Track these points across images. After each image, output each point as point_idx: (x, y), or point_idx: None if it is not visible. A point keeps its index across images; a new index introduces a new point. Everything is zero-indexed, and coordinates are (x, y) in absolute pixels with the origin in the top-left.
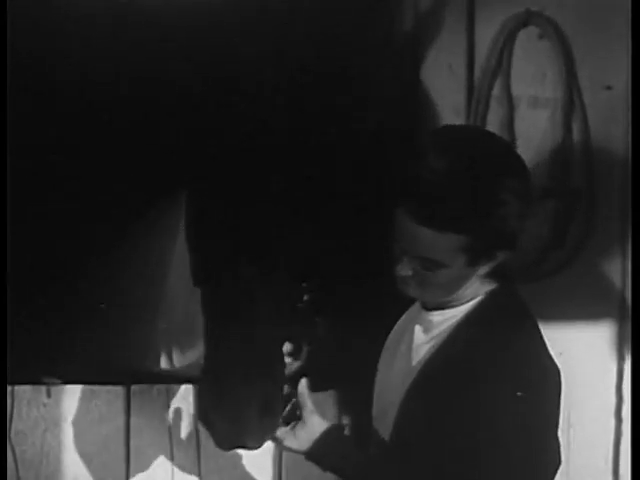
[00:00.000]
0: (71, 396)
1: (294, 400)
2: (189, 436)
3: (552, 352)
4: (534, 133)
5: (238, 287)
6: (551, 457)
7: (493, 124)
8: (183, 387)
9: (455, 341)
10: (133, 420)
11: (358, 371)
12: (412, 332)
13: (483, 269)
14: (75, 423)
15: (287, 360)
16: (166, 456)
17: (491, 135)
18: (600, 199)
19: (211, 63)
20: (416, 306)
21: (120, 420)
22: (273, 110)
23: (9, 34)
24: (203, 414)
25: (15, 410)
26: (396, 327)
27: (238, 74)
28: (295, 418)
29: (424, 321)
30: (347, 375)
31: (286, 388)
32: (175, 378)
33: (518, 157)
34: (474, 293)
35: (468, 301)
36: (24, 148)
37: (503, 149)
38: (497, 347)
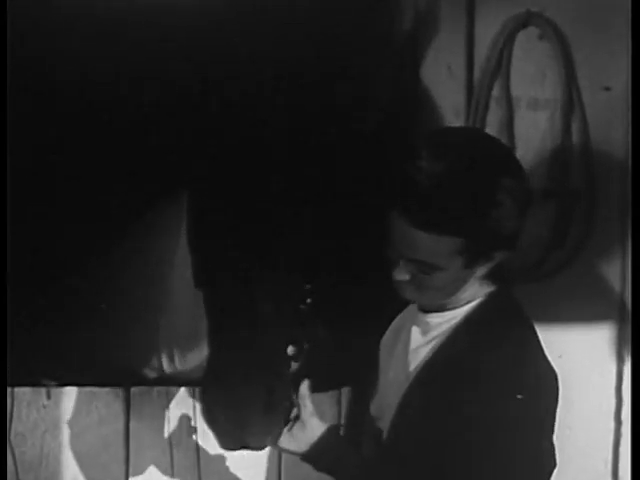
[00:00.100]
0: (71, 398)
1: (293, 401)
2: (188, 439)
3: (551, 354)
4: (534, 134)
5: (240, 288)
6: (546, 460)
7: (492, 125)
8: (182, 390)
9: (454, 343)
10: (132, 422)
11: (358, 372)
12: (409, 334)
13: (481, 270)
14: (74, 425)
15: (290, 362)
16: (165, 458)
17: (486, 136)
18: (600, 200)
19: (211, 63)
20: (412, 307)
21: (120, 422)
22: (273, 110)
23: (9, 34)
24: (207, 415)
25: (15, 412)
26: (391, 328)
27: (238, 74)
28: (293, 419)
29: (421, 323)
30: (347, 376)
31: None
32: (177, 381)
33: (514, 157)
34: (472, 295)
35: (466, 303)
36: (24, 148)
37: (498, 150)
38: (495, 350)
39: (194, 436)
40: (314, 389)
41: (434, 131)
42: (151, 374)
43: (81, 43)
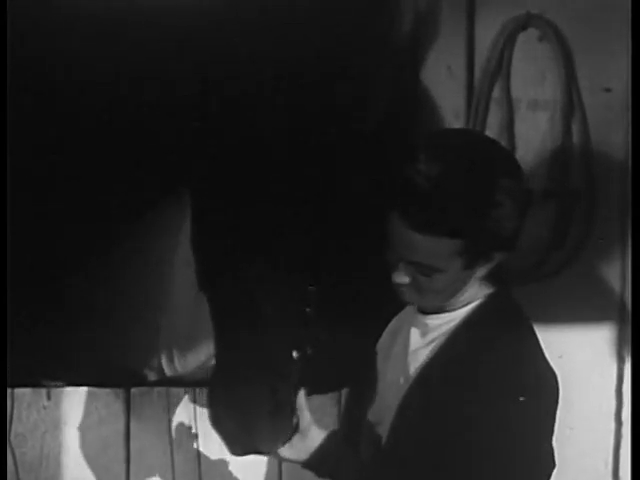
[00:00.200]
0: (71, 399)
1: (294, 407)
2: (189, 439)
3: (551, 355)
4: (534, 135)
5: (245, 291)
6: (545, 461)
7: (493, 126)
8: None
9: (454, 345)
10: (133, 423)
11: (356, 375)
12: (407, 336)
13: (480, 271)
14: (75, 426)
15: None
16: (167, 459)
17: (484, 137)
18: (600, 200)
19: (211, 63)
20: (410, 309)
21: (120, 423)
22: (273, 110)
23: (9, 34)
24: (215, 421)
25: (15, 412)
26: (387, 330)
27: (238, 74)
28: (293, 429)
29: (420, 324)
30: (347, 379)
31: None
32: (178, 382)
33: (512, 158)
34: (472, 297)
35: (465, 305)
36: (24, 148)
37: (497, 151)
38: (495, 351)
39: (195, 444)
40: (314, 391)
41: (431, 133)
42: (151, 375)
43: (81, 43)
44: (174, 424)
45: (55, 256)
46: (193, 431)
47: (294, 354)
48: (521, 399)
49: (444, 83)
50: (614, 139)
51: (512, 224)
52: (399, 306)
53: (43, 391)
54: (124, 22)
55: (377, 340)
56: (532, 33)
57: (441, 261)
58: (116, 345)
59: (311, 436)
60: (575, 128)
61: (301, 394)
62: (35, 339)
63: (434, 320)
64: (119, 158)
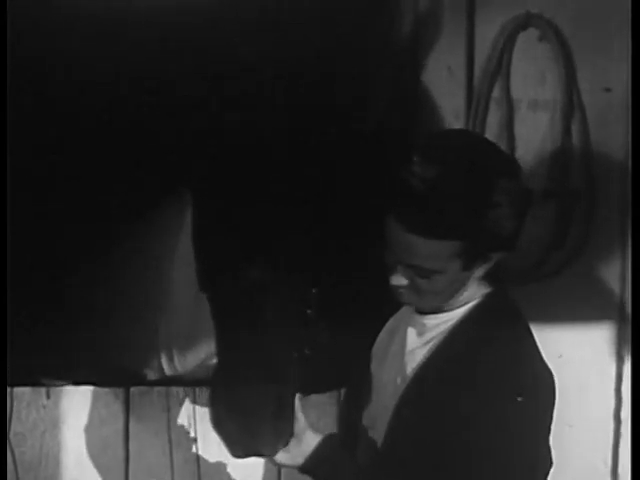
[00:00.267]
0: (70, 398)
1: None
2: (189, 440)
3: (551, 354)
4: (534, 135)
5: (245, 291)
6: (543, 460)
7: (493, 126)
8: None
9: (451, 344)
10: (132, 423)
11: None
12: (404, 335)
13: (479, 271)
14: (74, 425)
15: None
16: (166, 459)
17: (479, 138)
18: (600, 201)
19: (211, 63)
20: (406, 309)
21: (119, 423)
22: (273, 110)
23: (9, 34)
24: (216, 421)
25: (14, 412)
26: (384, 330)
27: (238, 74)
28: None
29: (417, 324)
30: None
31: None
32: (177, 381)
33: (509, 157)
34: (469, 297)
35: (463, 305)
36: (24, 148)
37: (493, 151)
38: (492, 350)
39: (194, 447)
40: (313, 391)
41: (426, 135)
42: (151, 375)
43: (81, 43)
44: (173, 424)
45: (55, 256)
46: (192, 435)
47: (294, 355)
48: (519, 399)
49: (444, 83)
50: (614, 139)
51: (511, 224)
52: (399, 307)
53: (42, 390)
54: (124, 22)
55: (375, 341)
56: (532, 33)
57: (439, 263)
58: (116, 345)
59: (306, 440)
60: (575, 128)
61: (297, 397)
62: (35, 339)
63: (431, 320)
64: (119, 158)
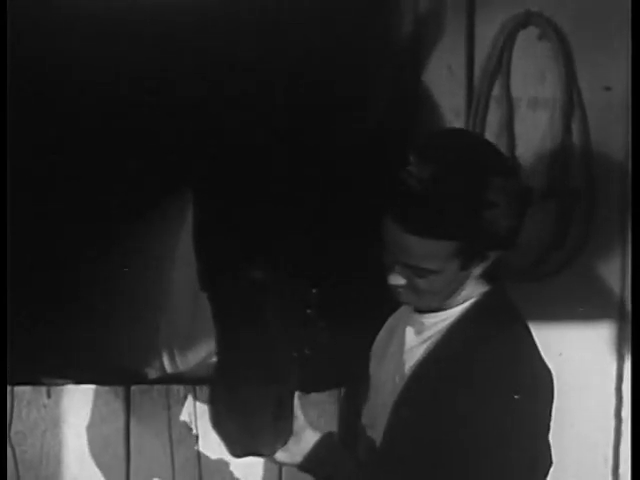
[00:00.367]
0: (71, 397)
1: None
2: (189, 438)
3: (551, 353)
4: (534, 134)
5: (247, 292)
6: (542, 458)
7: (493, 125)
8: (185, 396)
9: (449, 343)
10: (133, 421)
11: (354, 375)
12: (403, 334)
13: (477, 270)
14: (75, 424)
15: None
16: (166, 457)
17: (475, 136)
18: (600, 200)
19: (211, 63)
20: (405, 308)
21: (120, 421)
22: (273, 110)
23: (9, 34)
24: (216, 421)
25: (15, 410)
26: (384, 329)
27: (238, 74)
28: None
29: (416, 323)
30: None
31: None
32: (178, 379)
33: (503, 156)
34: (467, 295)
35: (461, 303)
36: (24, 148)
37: (488, 149)
38: (490, 348)
39: (195, 445)
40: (313, 390)
41: (422, 135)
42: (152, 373)
43: (81, 43)
44: (174, 422)
45: (55, 256)
46: (194, 432)
47: (294, 354)
48: (515, 397)
49: (444, 82)
50: (614, 138)
51: (508, 223)
52: (398, 307)
53: (43, 389)
54: (124, 22)
55: (374, 340)
56: (532, 31)
57: (436, 263)
58: (116, 344)
59: (305, 439)
60: (575, 127)
61: (296, 395)
62: (35, 338)
63: (429, 318)
64: (119, 158)
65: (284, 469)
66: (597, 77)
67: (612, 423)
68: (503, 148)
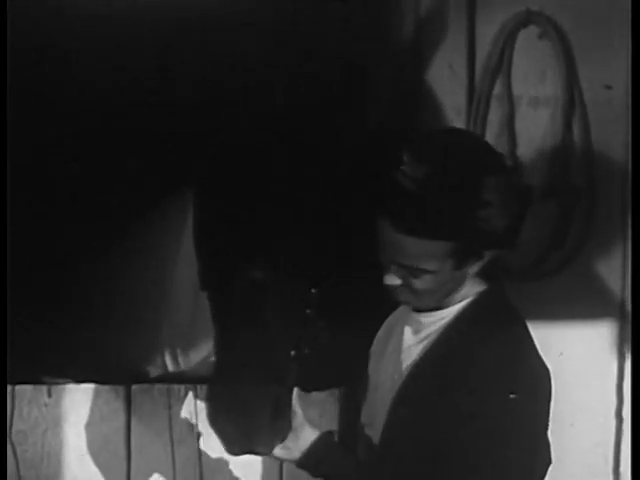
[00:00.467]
0: (72, 396)
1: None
2: (190, 437)
3: (552, 352)
4: (534, 132)
5: (247, 292)
6: (541, 457)
7: (494, 123)
8: (186, 395)
9: (446, 341)
10: (133, 420)
11: (354, 374)
12: (401, 333)
13: (473, 269)
14: (76, 423)
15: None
16: (167, 456)
17: (467, 135)
18: (600, 199)
19: (212, 63)
20: (404, 307)
21: (121, 420)
22: (273, 110)
23: (9, 34)
24: (213, 420)
25: (16, 410)
26: (382, 329)
27: (238, 74)
28: None
29: (414, 322)
30: (343, 377)
31: None
32: (182, 378)
33: (496, 153)
34: (465, 294)
35: (458, 302)
36: (24, 148)
37: (482, 148)
38: (488, 347)
39: (197, 443)
40: (312, 389)
41: (415, 135)
42: (154, 372)
43: (81, 43)
44: (175, 421)
45: (55, 256)
46: (196, 430)
47: (292, 353)
48: (512, 396)
49: (446, 81)
50: (615, 136)
51: (503, 222)
52: (397, 307)
53: (44, 388)
54: (124, 22)
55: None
56: (532, 30)
57: (431, 263)
58: (117, 343)
59: (303, 436)
60: (576, 125)
61: (294, 392)
62: (36, 338)
63: (427, 317)
64: (119, 158)
65: (284, 468)
66: (598, 76)
67: (612, 422)
68: (504, 147)
